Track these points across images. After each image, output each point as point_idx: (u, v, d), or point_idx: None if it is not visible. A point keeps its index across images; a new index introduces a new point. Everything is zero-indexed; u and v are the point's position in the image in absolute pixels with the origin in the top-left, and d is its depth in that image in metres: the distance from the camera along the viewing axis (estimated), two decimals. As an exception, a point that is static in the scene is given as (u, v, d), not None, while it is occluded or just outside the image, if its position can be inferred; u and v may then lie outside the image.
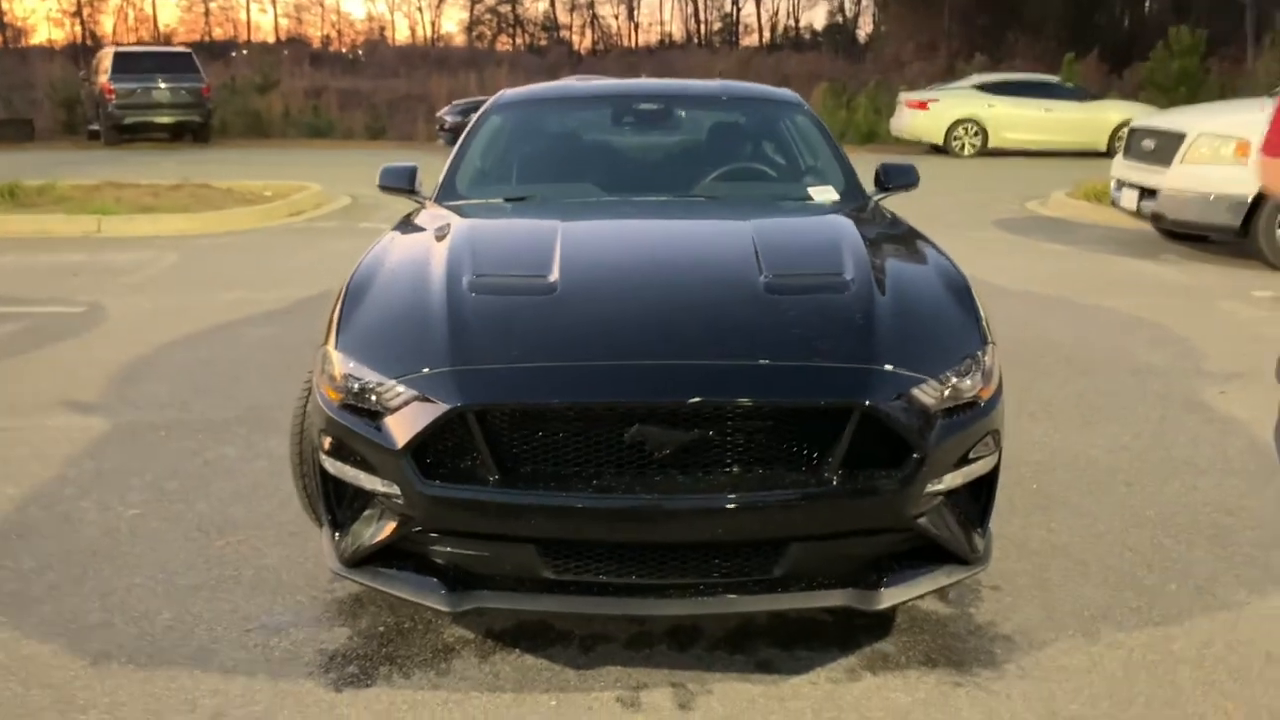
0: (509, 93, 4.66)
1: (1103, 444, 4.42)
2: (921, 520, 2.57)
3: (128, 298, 7.27)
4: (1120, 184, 9.50)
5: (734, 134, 4.52)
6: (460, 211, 3.73)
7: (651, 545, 2.53)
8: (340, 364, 2.70)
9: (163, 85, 21.02)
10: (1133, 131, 9.63)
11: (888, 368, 2.55)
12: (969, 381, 2.66)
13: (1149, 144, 9.17)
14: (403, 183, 4.16)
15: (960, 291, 2.99)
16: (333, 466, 2.69)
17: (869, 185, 4.26)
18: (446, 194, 4.00)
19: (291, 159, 18.74)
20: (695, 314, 2.75)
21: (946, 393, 2.61)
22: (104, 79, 20.80)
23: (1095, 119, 19.39)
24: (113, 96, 20.59)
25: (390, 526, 2.60)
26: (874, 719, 2.50)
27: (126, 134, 21.10)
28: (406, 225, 3.66)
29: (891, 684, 2.63)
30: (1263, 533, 3.52)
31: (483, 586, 2.56)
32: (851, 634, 2.83)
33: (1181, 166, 8.63)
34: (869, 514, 2.53)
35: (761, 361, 2.55)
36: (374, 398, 2.59)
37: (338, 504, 2.75)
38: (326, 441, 2.70)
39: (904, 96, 20.66)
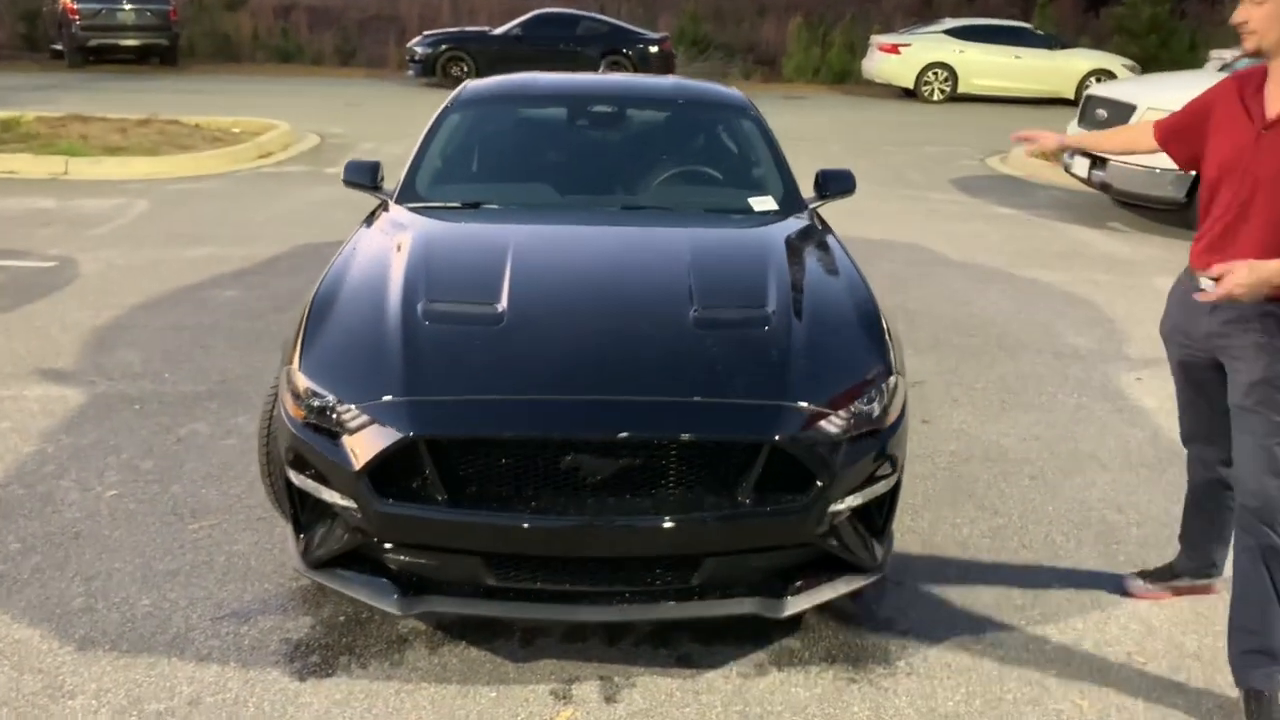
0: (470, 88, 4.85)
1: (1016, 433, 4.77)
2: (824, 536, 2.90)
3: (99, 251, 7.42)
4: (1073, 151, 9.76)
5: (684, 136, 4.74)
6: (419, 216, 3.97)
7: (584, 558, 2.84)
8: (303, 384, 2.96)
9: (128, 7, 20.59)
10: (1088, 100, 9.89)
11: (798, 404, 2.85)
12: (872, 411, 2.97)
13: (1102, 113, 9.44)
14: (365, 179, 4.36)
15: (871, 323, 3.28)
16: (296, 478, 2.97)
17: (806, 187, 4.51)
18: (407, 195, 4.22)
19: (260, 88, 18.60)
20: (628, 349, 3.03)
21: (850, 422, 2.91)
22: (67, -1, 20.40)
23: (1064, 67, 19.55)
24: (76, 18, 20.19)
25: (348, 536, 2.90)
26: (775, 713, 2.85)
27: (91, 56, 20.77)
28: (367, 233, 3.88)
29: (794, 679, 2.98)
30: (1145, 530, 3.89)
31: (432, 591, 2.87)
32: (765, 630, 3.16)
33: (1130, 139, 8.89)
34: (776, 532, 2.85)
35: (684, 399, 2.84)
36: (334, 417, 2.87)
37: (301, 509, 3.04)
38: (291, 455, 2.97)
39: (876, 40, 20.68)
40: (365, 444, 2.78)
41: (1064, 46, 20.27)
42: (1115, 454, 4.57)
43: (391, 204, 4.19)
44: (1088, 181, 9.54)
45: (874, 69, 20.41)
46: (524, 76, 5.10)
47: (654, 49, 19.92)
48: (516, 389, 2.86)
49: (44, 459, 4.22)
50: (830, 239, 4.00)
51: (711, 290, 3.31)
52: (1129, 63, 20.09)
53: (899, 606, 3.35)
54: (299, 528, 3.05)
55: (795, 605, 2.90)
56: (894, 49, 19.81)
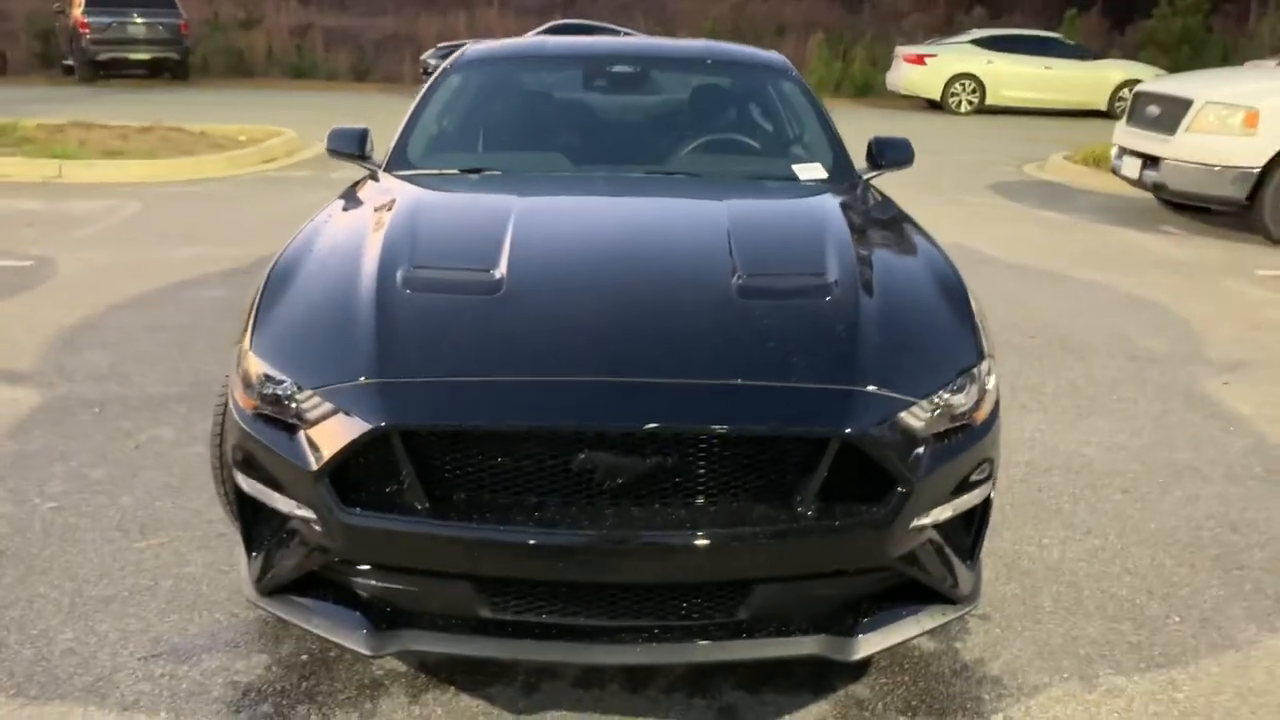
0: (472, 50, 4.29)
1: (1098, 441, 4.15)
2: (905, 558, 2.29)
3: (81, 251, 6.90)
4: (1122, 151, 9.16)
5: (716, 101, 4.16)
6: (409, 183, 3.40)
7: (601, 584, 2.25)
8: (255, 368, 2.39)
9: (139, 20, 20.34)
10: (1137, 96, 9.26)
11: (871, 389, 2.26)
12: (962, 402, 2.37)
13: (1154, 110, 8.82)
14: (351, 147, 3.80)
15: (956, 296, 2.69)
16: (246, 483, 2.40)
17: (860, 160, 3.93)
18: (397, 163, 3.65)
19: (271, 101, 18.20)
20: (657, 321, 2.44)
21: (936, 415, 2.31)
22: (78, 12, 20.09)
23: (1096, 78, 18.96)
24: (87, 31, 19.91)
25: (308, 555, 2.31)
26: (845, 782, 2.24)
27: (102, 70, 20.46)
28: (347, 200, 3.32)
29: (865, 737, 2.37)
30: (1271, 553, 3.26)
31: (411, 625, 2.28)
32: (825, 674, 2.56)
33: (1187, 135, 8.30)
34: (846, 553, 2.25)
35: (729, 381, 2.24)
36: (292, 407, 2.29)
37: (254, 522, 2.46)
38: (239, 454, 2.40)
39: (901, 51, 20.14)
40: (326, 439, 2.20)
41: (1095, 57, 19.69)
42: (1216, 465, 3.94)
43: (380, 173, 3.62)
44: (1138, 183, 8.92)
45: (899, 81, 19.86)
46: (535, 38, 4.54)
47: (673, 61, 19.42)
48: (516, 369, 2.27)
49: (-20, 467, 3.67)
50: (897, 208, 3.41)
51: (757, 256, 2.71)
52: (1162, 74, 19.45)
53: (987, 644, 2.74)
54: (251, 545, 2.46)
55: (869, 645, 2.29)
56: (920, 60, 19.27)
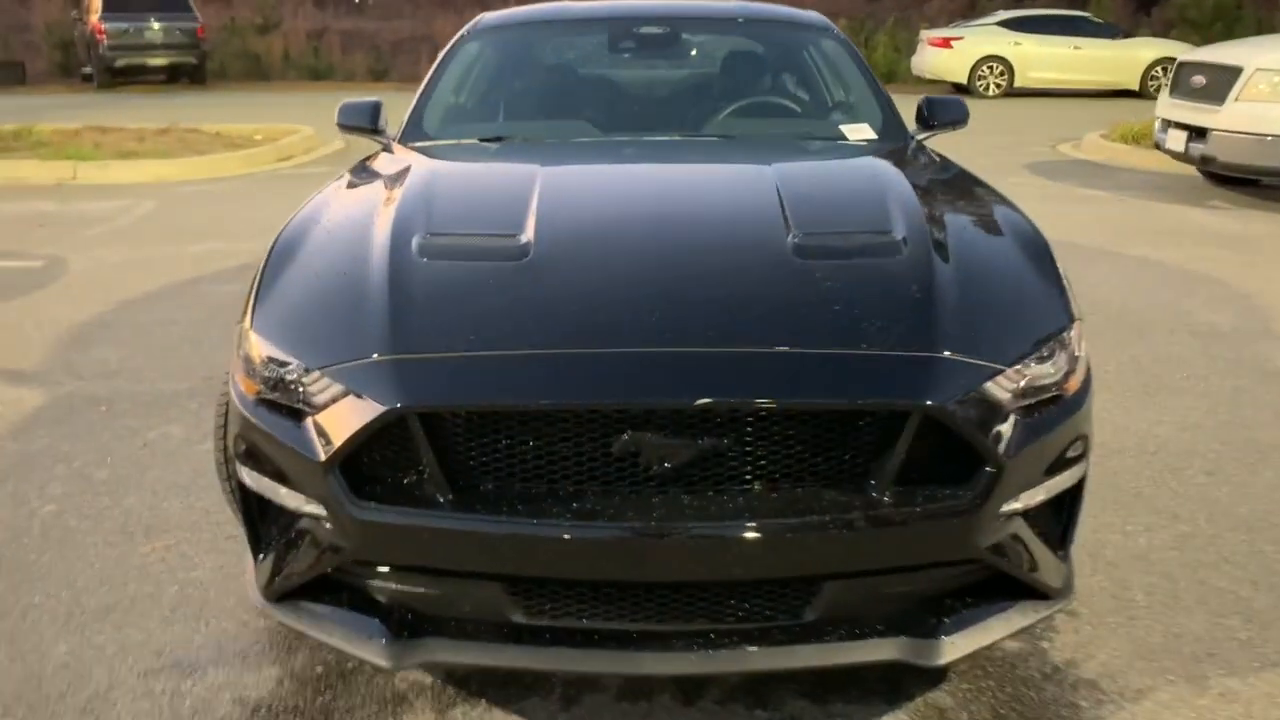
0: (489, 16, 4.04)
1: (1172, 420, 3.85)
2: (993, 548, 2.02)
3: (93, 250, 6.71)
4: (1166, 124, 8.80)
5: (753, 62, 3.89)
6: (425, 155, 3.15)
7: (649, 584, 1.98)
8: (257, 349, 2.15)
9: (156, 25, 20.26)
10: (1181, 66, 8.90)
11: (954, 356, 1.98)
12: (1052, 371, 2.09)
13: (1199, 80, 8.45)
14: (363, 120, 3.56)
15: (1040, 255, 2.40)
16: (250, 477, 2.15)
17: (910, 123, 3.65)
18: (412, 134, 3.41)
19: (289, 102, 18.04)
20: (706, 285, 2.17)
21: (1025, 385, 2.04)
22: (95, 19, 20.02)
23: (1127, 57, 18.48)
24: (104, 37, 19.84)
25: (319, 555, 2.06)
26: (932, 805, 1.97)
27: (120, 76, 20.40)
28: (357, 171, 3.08)
29: (951, 752, 2.10)
30: (1382, 538, 2.96)
31: (435, 633, 2.02)
32: (899, 680, 2.28)
33: (1236, 105, 7.94)
34: (929, 543, 1.97)
35: (790, 350, 1.97)
36: (298, 390, 2.04)
37: (260, 520, 2.21)
38: (242, 445, 2.15)
39: (926, 34, 19.75)
40: (336, 424, 1.96)
41: (1126, 35, 19.22)
42: (1305, 444, 3.64)
43: (394, 145, 3.38)
44: (1184, 156, 8.57)
45: (924, 65, 19.48)
46: (557, 3, 4.27)
47: (693, 52, 19.14)
48: (547, 341, 2.01)
49: (-22, 470, 3.45)
50: (959, 166, 3.13)
51: (814, 213, 2.44)
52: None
53: (1079, 644, 2.45)
54: (257, 545, 2.22)
55: (955, 649, 2.01)
56: (945, 43, 18.87)
